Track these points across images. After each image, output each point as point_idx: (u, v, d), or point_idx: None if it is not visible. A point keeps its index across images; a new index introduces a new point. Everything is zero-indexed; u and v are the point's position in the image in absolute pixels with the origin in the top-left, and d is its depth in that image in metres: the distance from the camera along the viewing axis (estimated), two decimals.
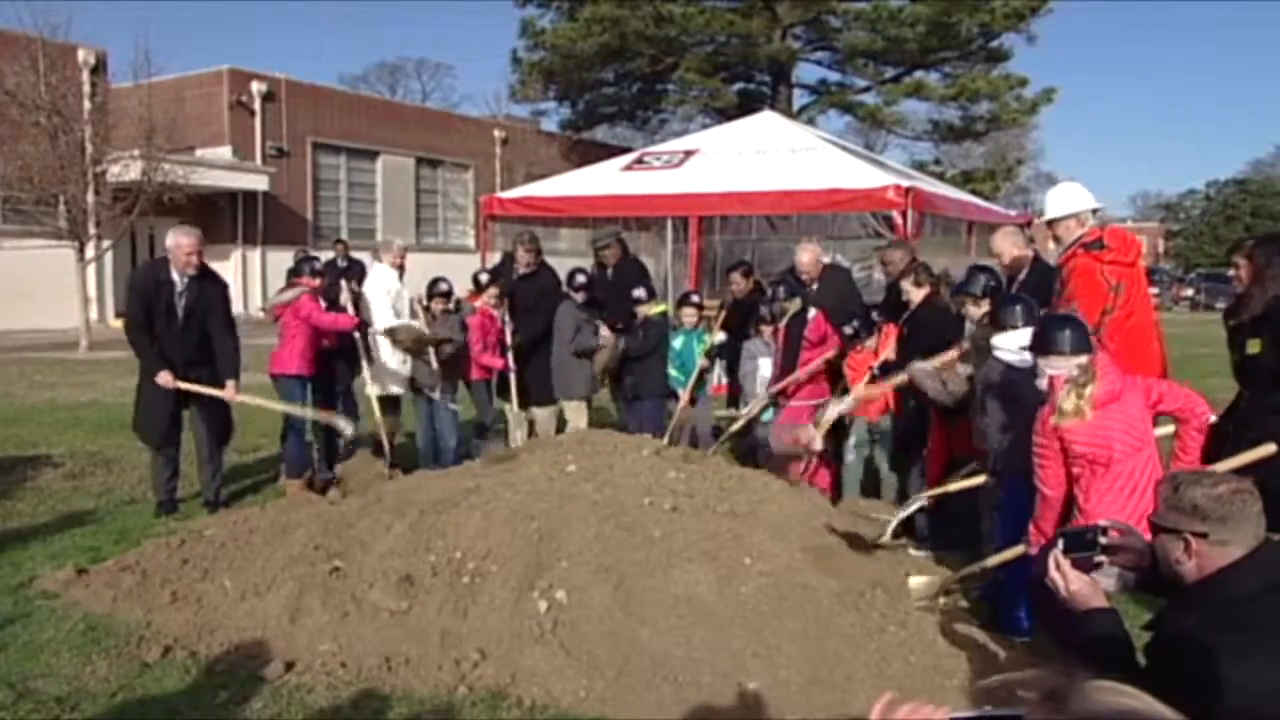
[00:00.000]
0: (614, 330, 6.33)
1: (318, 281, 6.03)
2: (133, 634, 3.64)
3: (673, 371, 6.39)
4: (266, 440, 7.20)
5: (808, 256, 6.20)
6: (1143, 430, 3.25)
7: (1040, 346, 3.31)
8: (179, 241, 5.31)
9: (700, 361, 6.26)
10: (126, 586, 4.03)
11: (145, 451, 6.57)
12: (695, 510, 3.99)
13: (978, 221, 9.86)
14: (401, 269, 6.37)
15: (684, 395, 6.26)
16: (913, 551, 4.67)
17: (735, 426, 6.07)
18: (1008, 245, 4.66)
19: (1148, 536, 2.24)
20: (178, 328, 5.33)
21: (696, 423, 6.37)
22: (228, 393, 5.42)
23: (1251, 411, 3.63)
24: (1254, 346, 3.66)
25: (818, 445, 5.29)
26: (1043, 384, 3.35)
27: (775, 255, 14.60)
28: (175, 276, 5.33)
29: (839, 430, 5.47)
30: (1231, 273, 3.95)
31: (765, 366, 6.04)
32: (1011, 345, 3.79)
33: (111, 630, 3.70)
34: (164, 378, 5.27)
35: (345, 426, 5.86)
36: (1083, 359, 3.20)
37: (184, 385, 5.33)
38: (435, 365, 6.13)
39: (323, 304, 5.99)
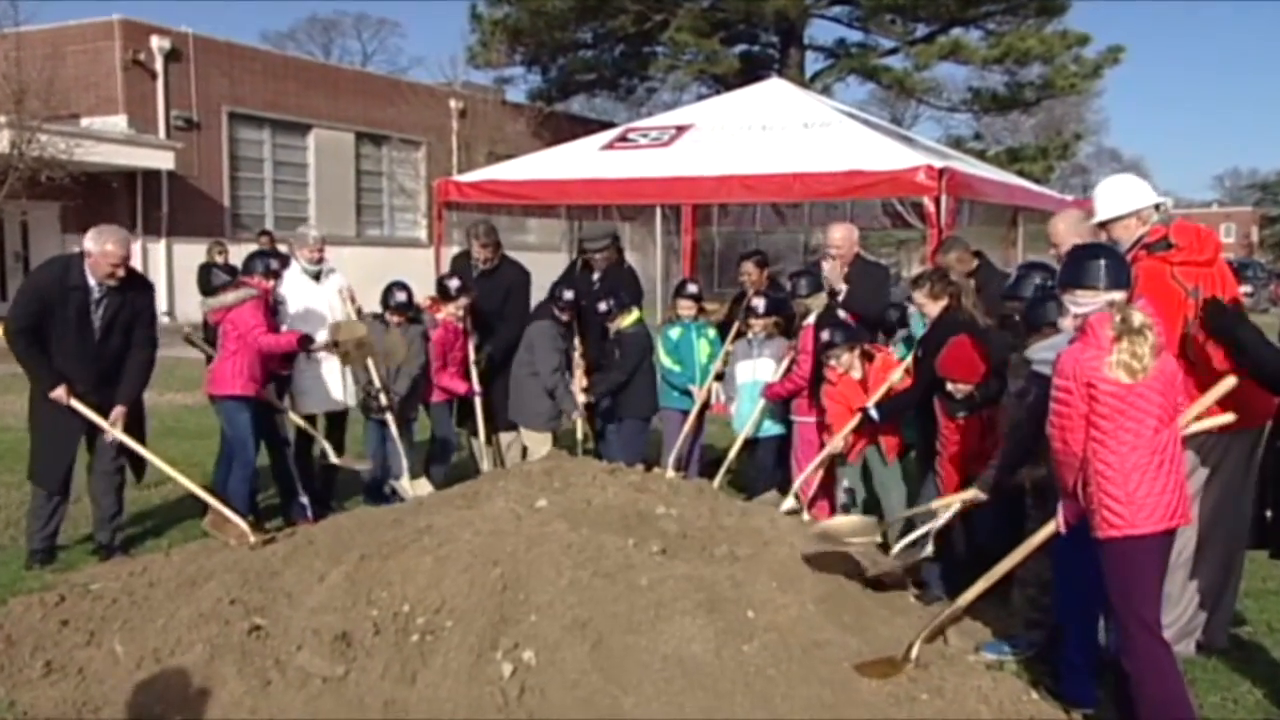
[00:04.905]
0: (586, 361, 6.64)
1: (270, 284, 5.98)
2: None
3: (667, 362, 6.47)
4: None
5: (840, 233, 6.25)
6: (1177, 397, 3.34)
7: (1068, 279, 3.37)
8: (104, 249, 5.24)
9: (715, 365, 6.39)
10: None
11: (15, 489, 6.52)
12: (688, 554, 4.01)
13: (1026, 209, 9.95)
14: (320, 265, 6.34)
15: (693, 413, 6.38)
16: (913, 600, 4.67)
17: (730, 456, 6.17)
18: (1068, 232, 4.58)
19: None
20: (92, 343, 5.28)
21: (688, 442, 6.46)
22: (110, 418, 5.32)
23: None
24: None
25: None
26: (1066, 324, 3.43)
27: (783, 250, 14.64)
28: (91, 282, 5.28)
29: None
30: None
31: (742, 371, 6.16)
32: (1050, 354, 3.70)
33: None
34: (59, 392, 5.21)
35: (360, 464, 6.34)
36: (1117, 295, 3.26)
37: (79, 406, 5.26)
38: (379, 384, 6.12)
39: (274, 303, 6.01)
